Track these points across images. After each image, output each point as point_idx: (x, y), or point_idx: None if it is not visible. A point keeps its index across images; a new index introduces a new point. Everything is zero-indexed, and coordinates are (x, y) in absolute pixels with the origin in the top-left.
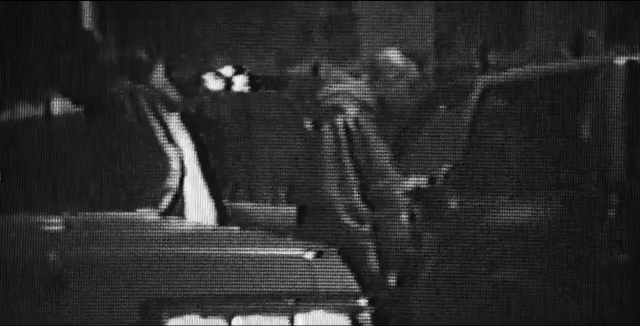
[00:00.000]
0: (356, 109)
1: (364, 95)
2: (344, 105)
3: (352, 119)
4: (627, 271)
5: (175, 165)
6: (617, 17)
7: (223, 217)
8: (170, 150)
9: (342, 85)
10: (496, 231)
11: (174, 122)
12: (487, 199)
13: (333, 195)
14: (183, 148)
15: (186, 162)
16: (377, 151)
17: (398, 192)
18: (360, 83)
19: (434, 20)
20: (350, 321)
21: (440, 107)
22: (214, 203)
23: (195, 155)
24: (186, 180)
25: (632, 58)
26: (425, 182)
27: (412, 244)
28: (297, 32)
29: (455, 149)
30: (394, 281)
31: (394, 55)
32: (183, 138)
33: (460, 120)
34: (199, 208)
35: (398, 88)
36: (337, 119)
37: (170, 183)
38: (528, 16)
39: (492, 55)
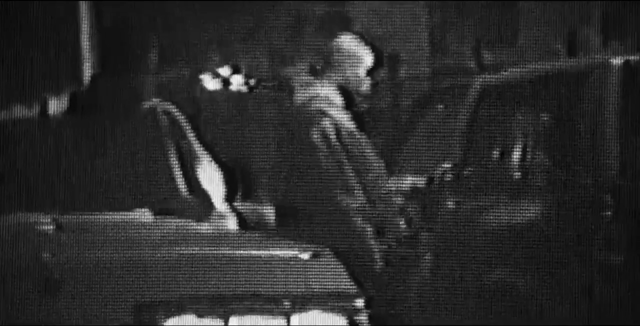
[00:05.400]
0: (338, 111)
1: (336, 95)
2: (326, 108)
3: (337, 120)
4: (622, 272)
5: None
6: (613, 16)
7: (242, 219)
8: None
9: (314, 88)
10: (492, 231)
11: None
12: (483, 200)
13: (330, 195)
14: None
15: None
16: (367, 151)
17: (394, 192)
18: (329, 84)
19: (427, 19)
20: (347, 322)
21: (438, 106)
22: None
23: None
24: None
25: (629, 58)
26: (422, 182)
27: (409, 244)
28: (291, 32)
29: (452, 150)
30: (393, 276)
31: (348, 42)
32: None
33: (457, 120)
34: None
35: (371, 87)
36: (324, 122)
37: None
38: (523, 15)
39: (487, 54)
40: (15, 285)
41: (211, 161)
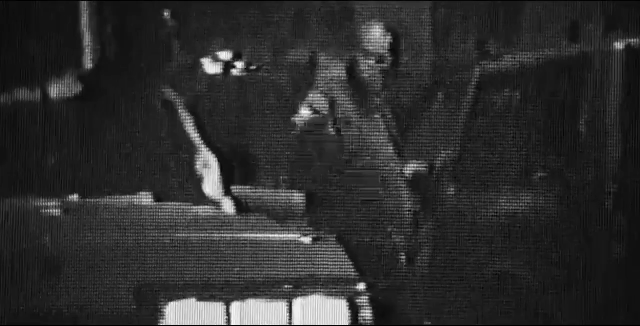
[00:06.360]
0: (349, 96)
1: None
2: (339, 91)
3: (349, 104)
4: (625, 264)
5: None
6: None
7: (239, 204)
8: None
9: (334, 72)
10: (493, 223)
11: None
12: (484, 189)
13: (332, 180)
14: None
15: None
16: (375, 137)
17: (400, 178)
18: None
19: (431, 10)
20: (348, 305)
21: (438, 94)
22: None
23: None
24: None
25: (630, 41)
26: (424, 170)
27: (411, 232)
28: (294, 22)
29: (454, 138)
30: (404, 260)
31: (375, 31)
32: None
33: (458, 109)
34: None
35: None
36: (337, 103)
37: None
38: (526, 4)
39: (490, 43)
40: (17, 268)
41: (207, 148)
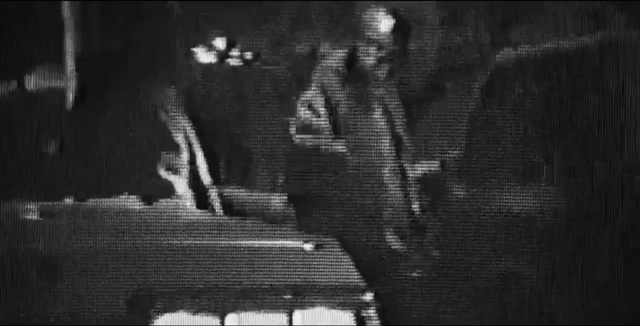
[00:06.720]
0: (349, 88)
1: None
2: (338, 84)
3: (348, 98)
4: (627, 261)
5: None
6: None
7: (227, 205)
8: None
9: (333, 62)
10: (498, 220)
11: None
12: (496, 187)
13: (333, 181)
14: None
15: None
16: (376, 134)
17: (405, 180)
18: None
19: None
20: (354, 317)
21: (447, 85)
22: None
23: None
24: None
25: None
26: (435, 168)
27: (417, 233)
28: (292, 18)
29: (461, 134)
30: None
31: (378, 16)
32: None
33: (468, 102)
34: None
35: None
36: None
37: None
38: None
39: (504, 31)
40: (17, 274)
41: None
